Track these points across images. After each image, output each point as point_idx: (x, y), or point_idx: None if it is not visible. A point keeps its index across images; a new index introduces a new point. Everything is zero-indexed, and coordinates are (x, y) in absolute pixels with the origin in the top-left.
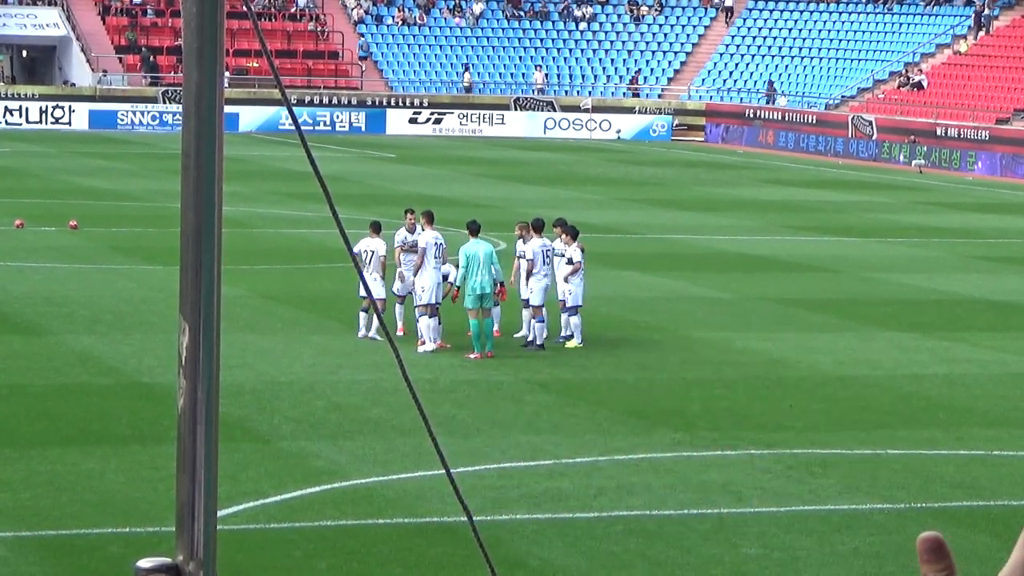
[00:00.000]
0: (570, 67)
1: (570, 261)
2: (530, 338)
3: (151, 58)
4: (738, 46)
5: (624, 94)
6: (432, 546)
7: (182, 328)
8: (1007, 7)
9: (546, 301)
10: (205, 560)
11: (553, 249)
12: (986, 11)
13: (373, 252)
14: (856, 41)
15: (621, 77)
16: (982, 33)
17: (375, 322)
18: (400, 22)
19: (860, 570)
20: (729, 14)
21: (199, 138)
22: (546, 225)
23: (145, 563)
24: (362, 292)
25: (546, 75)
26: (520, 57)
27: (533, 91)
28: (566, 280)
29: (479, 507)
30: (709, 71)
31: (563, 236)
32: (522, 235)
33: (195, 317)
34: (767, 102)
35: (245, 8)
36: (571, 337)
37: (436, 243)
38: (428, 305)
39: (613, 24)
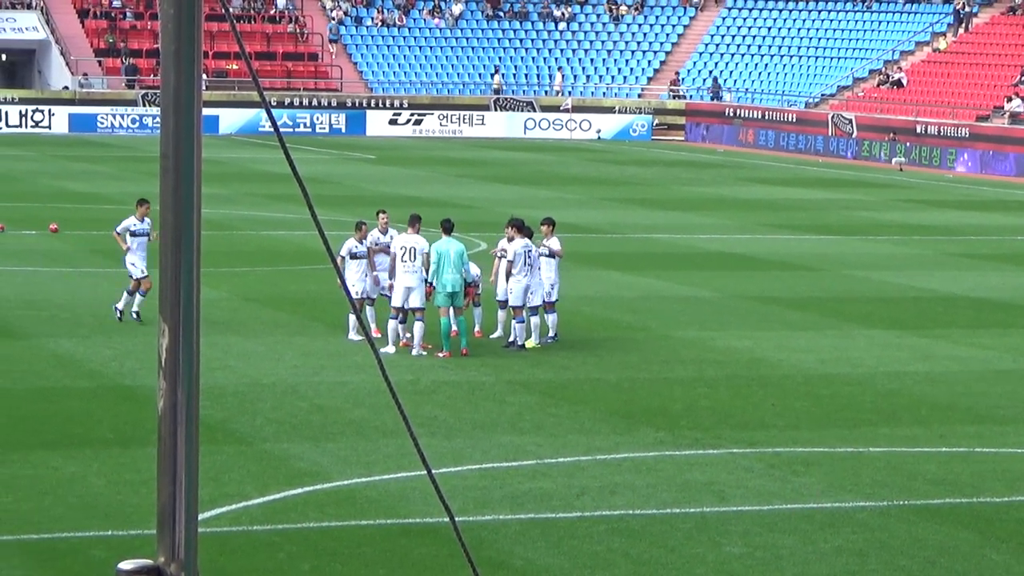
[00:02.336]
0: (550, 67)
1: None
2: (511, 339)
3: (129, 60)
4: (717, 45)
5: (604, 94)
6: (415, 547)
7: (161, 330)
8: (986, 4)
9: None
10: (186, 562)
11: (532, 250)
12: (965, 8)
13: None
14: (836, 39)
15: (601, 77)
16: (961, 30)
17: (355, 322)
18: (379, 23)
19: (843, 568)
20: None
21: (177, 139)
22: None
23: (127, 565)
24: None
25: (563, 77)
26: (500, 58)
27: (555, 93)
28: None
29: (462, 507)
30: (688, 70)
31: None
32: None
33: (175, 318)
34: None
35: (223, 10)
36: (556, 337)
37: (409, 247)
38: (398, 308)
39: (592, 24)
